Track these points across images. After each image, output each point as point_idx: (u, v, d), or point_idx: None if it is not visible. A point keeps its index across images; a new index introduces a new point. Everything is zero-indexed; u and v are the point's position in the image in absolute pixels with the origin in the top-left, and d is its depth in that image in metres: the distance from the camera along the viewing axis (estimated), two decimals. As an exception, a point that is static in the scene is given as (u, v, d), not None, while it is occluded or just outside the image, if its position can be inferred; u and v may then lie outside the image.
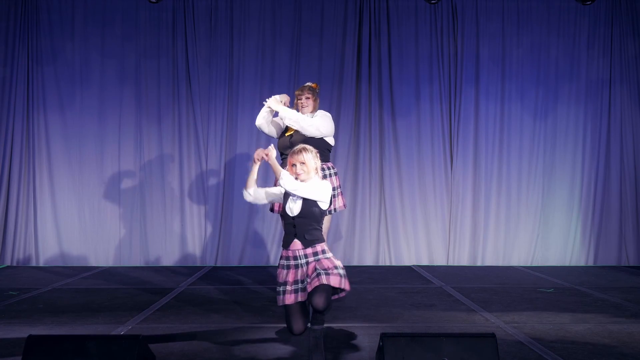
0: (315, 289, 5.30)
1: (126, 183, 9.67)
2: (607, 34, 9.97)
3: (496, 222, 9.82)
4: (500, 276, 8.68)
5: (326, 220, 6.62)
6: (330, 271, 5.37)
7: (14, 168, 9.57)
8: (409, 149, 9.72)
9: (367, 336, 5.34)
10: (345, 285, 5.42)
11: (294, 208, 5.52)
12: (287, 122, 6.75)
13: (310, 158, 5.55)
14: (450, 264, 9.75)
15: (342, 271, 5.45)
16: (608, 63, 9.97)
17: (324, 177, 6.61)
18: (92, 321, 5.89)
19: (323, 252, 5.53)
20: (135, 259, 9.64)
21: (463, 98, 9.77)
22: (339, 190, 6.85)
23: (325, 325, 5.70)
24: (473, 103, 9.82)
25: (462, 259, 9.70)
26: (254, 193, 5.68)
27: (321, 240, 5.56)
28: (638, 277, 8.73)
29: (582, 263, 9.87)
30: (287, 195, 5.60)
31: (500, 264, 9.78)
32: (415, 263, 9.74)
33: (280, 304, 5.50)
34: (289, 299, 5.46)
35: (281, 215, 5.68)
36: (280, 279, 5.55)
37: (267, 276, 8.49)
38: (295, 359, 4.70)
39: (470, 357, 4.12)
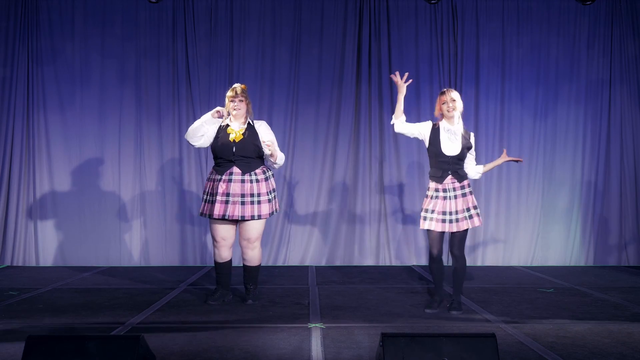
0: (453, 237, 6.39)
1: (126, 183, 9.66)
2: (607, 34, 9.97)
3: (496, 222, 9.83)
4: (500, 276, 8.69)
5: (260, 224, 6.63)
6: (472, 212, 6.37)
7: (14, 168, 9.56)
8: (409, 148, 9.71)
9: (367, 336, 5.35)
10: (478, 223, 6.39)
11: (452, 148, 6.39)
12: (274, 160, 6.65)
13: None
14: (450, 264, 9.73)
15: (477, 210, 6.41)
16: (608, 63, 9.96)
17: (266, 179, 6.63)
18: (92, 321, 5.89)
19: (469, 185, 6.45)
20: (135, 259, 9.64)
21: (463, 98, 9.68)
22: (274, 193, 6.77)
23: (325, 325, 5.71)
24: (473, 103, 9.81)
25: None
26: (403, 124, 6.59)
27: (467, 177, 6.48)
28: (638, 277, 8.73)
29: (582, 263, 9.87)
30: (442, 134, 6.47)
31: (500, 264, 9.79)
32: (415, 263, 9.74)
33: (426, 228, 6.39)
34: (436, 226, 6.32)
35: (435, 154, 6.44)
36: (426, 205, 6.44)
37: (267, 276, 8.50)
38: (295, 358, 4.71)
39: (470, 357, 4.13)
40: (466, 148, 6.43)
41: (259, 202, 6.52)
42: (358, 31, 9.83)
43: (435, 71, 9.81)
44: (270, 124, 9.40)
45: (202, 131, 6.64)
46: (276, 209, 6.72)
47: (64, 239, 9.60)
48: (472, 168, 6.55)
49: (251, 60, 9.76)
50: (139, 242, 9.66)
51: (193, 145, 6.77)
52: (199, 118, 6.71)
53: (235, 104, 6.60)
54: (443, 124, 6.51)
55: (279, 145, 6.91)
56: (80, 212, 9.61)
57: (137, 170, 9.66)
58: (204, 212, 6.67)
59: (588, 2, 9.47)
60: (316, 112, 9.79)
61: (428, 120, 6.84)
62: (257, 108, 9.59)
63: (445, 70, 9.85)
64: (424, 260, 9.71)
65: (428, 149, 6.51)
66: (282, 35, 9.81)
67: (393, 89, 9.75)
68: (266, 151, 6.56)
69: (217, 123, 6.65)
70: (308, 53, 9.82)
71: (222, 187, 6.52)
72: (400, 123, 6.52)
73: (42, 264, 9.56)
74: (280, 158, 6.69)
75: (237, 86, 6.67)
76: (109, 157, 9.66)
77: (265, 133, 6.69)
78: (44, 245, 9.59)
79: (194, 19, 9.70)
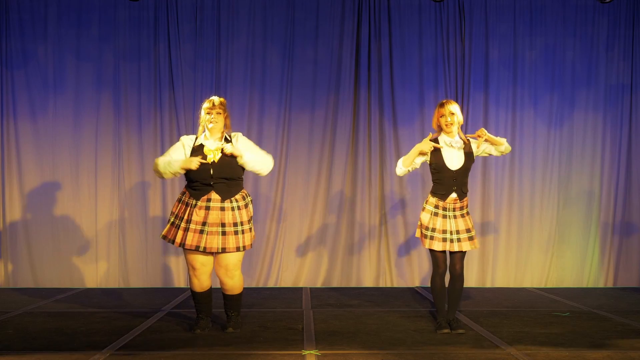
0: (454, 255, 6.70)
1: (104, 197, 9.69)
2: (629, 34, 10.02)
3: (507, 240, 9.87)
4: (512, 299, 8.74)
5: (241, 253, 6.54)
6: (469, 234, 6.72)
7: (-19, 181, 9.61)
8: (412, 159, 9.74)
9: (366, 364, 5.39)
10: (477, 246, 6.79)
11: (456, 161, 6.66)
12: (250, 167, 6.52)
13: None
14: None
15: (474, 232, 6.74)
16: (629, 66, 10.00)
17: (246, 205, 6.57)
18: (66, 347, 5.93)
19: (467, 205, 6.80)
20: (113, 280, 9.67)
21: (471, 104, 9.82)
22: (252, 221, 6.71)
23: (320, 352, 5.75)
24: (482, 109, 9.87)
25: (470, 280, 9.72)
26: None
27: (467, 194, 6.81)
28: (662, 299, 8.78)
29: (600, 284, 9.91)
30: (445, 149, 6.69)
31: (511, 285, 9.83)
32: (418, 284, 9.79)
33: (429, 248, 6.71)
34: (438, 246, 6.64)
35: (438, 169, 6.71)
36: (427, 223, 6.72)
37: (257, 299, 8.54)
38: (287, 388, 4.75)
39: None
40: (469, 159, 6.73)
41: (242, 232, 6.45)
42: (356, 31, 9.88)
43: (440, 75, 9.86)
44: (260, 132, 9.54)
45: (176, 170, 6.46)
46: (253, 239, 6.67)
47: (35, 258, 9.61)
48: (501, 150, 6.84)
49: (240, 63, 9.80)
50: (118, 262, 9.68)
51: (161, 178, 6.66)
52: (172, 154, 6.59)
53: (212, 116, 6.49)
54: (442, 138, 6.77)
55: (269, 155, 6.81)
56: (53, 228, 9.63)
57: (116, 183, 9.70)
58: (170, 237, 6.50)
59: (607, 0, 9.52)
60: (311, 120, 9.85)
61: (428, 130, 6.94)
62: (247, 116, 9.65)
63: (452, 74, 9.90)
64: (428, 282, 9.72)
65: (430, 164, 6.79)
66: (274, 35, 9.86)
67: (395, 94, 9.81)
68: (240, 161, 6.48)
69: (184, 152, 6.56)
70: (302, 55, 9.88)
71: (198, 214, 6.38)
72: (404, 169, 6.87)
73: (12, 285, 9.59)
74: (259, 165, 6.56)
75: (215, 98, 6.59)
76: (84, 169, 9.68)
77: (245, 144, 6.63)
78: (14, 266, 9.61)
79: (177, 18, 9.74)
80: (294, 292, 9.19)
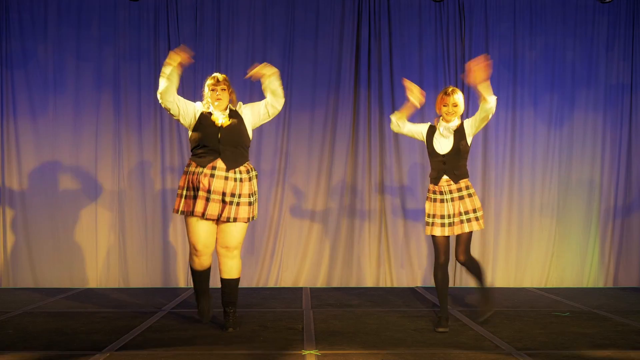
0: (457, 246, 6.74)
1: (104, 197, 9.69)
2: (629, 34, 10.02)
3: (507, 240, 9.87)
4: (512, 299, 8.73)
5: (241, 230, 6.57)
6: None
7: (-19, 181, 9.61)
8: (412, 159, 9.75)
9: (366, 364, 5.39)
10: (477, 227, 6.73)
11: (445, 145, 6.71)
12: (275, 85, 6.59)
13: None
14: (457, 285, 9.78)
15: (479, 213, 6.70)
16: (629, 66, 10.00)
17: (250, 179, 6.54)
18: (66, 348, 5.93)
19: (467, 188, 6.74)
20: (113, 280, 9.68)
21: (471, 104, 9.81)
22: (256, 196, 6.69)
23: (320, 352, 5.75)
24: (482, 110, 9.86)
25: (470, 280, 9.69)
26: None
27: (465, 176, 6.76)
28: (662, 299, 8.78)
29: (600, 284, 9.92)
30: (437, 133, 6.80)
31: (511, 285, 9.83)
32: (418, 284, 9.79)
33: (429, 234, 6.79)
34: (437, 231, 6.69)
35: (430, 154, 6.84)
36: (428, 209, 6.79)
37: (257, 299, 8.53)
38: (288, 388, 4.75)
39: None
40: (461, 142, 6.74)
41: (237, 204, 6.42)
42: (357, 32, 9.89)
43: (440, 75, 9.87)
44: (260, 131, 9.55)
45: (173, 86, 6.57)
46: (254, 216, 6.62)
47: (35, 258, 9.61)
48: (485, 110, 6.60)
49: (240, 63, 9.77)
50: (118, 262, 9.68)
51: (166, 108, 6.69)
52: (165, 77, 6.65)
53: (217, 93, 6.46)
54: (441, 124, 6.83)
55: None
56: (53, 228, 9.63)
57: (116, 183, 9.69)
58: (182, 209, 6.49)
59: (607, 0, 9.52)
60: (311, 119, 9.85)
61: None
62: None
63: (452, 74, 9.90)
64: (427, 282, 9.74)
65: (427, 149, 6.89)
66: (274, 36, 9.86)
67: (394, 93, 9.81)
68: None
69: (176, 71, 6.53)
70: (302, 55, 9.88)
71: (203, 182, 6.38)
72: (400, 122, 6.98)
73: (11, 285, 9.59)
74: (279, 88, 6.65)
75: (218, 74, 6.57)
76: (84, 169, 9.68)
77: (249, 108, 6.67)
78: (14, 266, 9.61)
79: (177, 19, 9.75)
80: (294, 292, 9.19)
